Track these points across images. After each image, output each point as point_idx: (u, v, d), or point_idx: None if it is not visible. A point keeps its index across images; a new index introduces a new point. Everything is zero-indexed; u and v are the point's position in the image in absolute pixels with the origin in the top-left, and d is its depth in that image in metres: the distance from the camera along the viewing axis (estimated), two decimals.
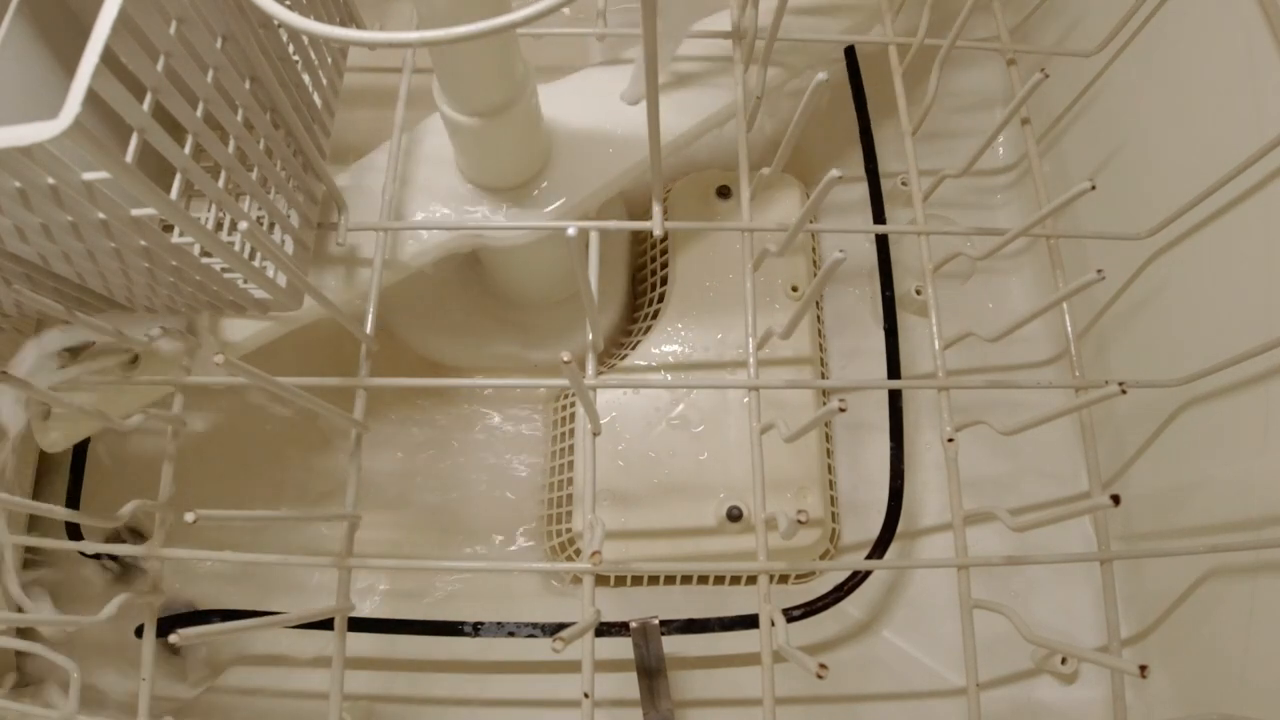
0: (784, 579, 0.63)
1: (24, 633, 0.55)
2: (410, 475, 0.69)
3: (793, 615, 0.58)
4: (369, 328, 0.49)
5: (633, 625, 0.54)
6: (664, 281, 0.68)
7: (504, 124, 0.47)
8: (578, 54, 0.74)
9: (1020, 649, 0.60)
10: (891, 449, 0.62)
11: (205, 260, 0.40)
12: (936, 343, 0.51)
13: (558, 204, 0.54)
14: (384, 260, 0.51)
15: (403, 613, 0.59)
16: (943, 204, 0.72)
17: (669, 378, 0.64)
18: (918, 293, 0.69)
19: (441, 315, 0.70)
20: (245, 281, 0.43)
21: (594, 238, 0.50)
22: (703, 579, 0.63)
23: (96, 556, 0.63)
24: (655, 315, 0.67)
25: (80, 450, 0.63)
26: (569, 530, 0.61)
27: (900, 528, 0.60)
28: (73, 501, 0.62)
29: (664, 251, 0.69)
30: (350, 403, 0.47)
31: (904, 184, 0.70)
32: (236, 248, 0.41)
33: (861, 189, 0.69)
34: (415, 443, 0.70)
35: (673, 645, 0.57)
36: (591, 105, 0.57)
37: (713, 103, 0.57)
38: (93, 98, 0.25)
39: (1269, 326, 0.46)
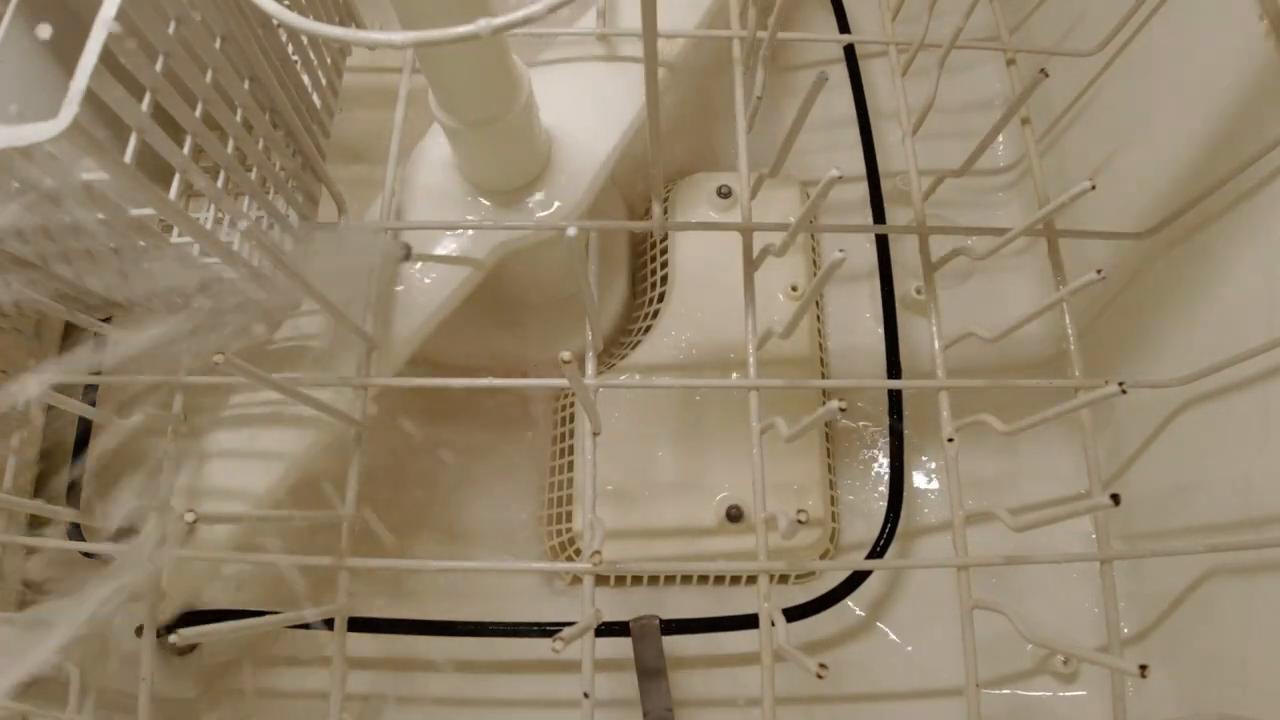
0: (784, 579, 0.63)
1: None
2: (410, 475, 0.69)
3: (793, 615, 0.58)
4: (369, 328, 0.49)
5: (633, 625, 0.54)
6: (664, 281, 0.68)
7: (499, 132, 0.47)
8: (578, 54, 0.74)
9: (1020, 649, 0.60)
10: (891, 449, 0.62)
11: (204, 260, 0.40)
12: (936, 343, 0.51)
13: (558, 205, 0.54)
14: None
15: (403, 613, 0.59)
16: (943, 204, 0.71)
17: (668, 378, 0.64)
18: (918, 293, 0.69)
19: None
20: (244, 281, 0.43)
21: (594, 238, 0.50)
22: (703, 579, 0.63)
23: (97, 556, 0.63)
24: (655, 315, 0.67)
25: (80, 450, 0.63)
26: (569, 530, 0.61)
27: (900, 528, 0.60)
28: (73, 501, 0.62)
29: (664, 251, 0.69)
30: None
31: (904, 185, 0.70)
32: (235, 248, 0.41)
33: (861, 189, 0.69)
34: (415, 442, 0.70)
35: (673, 645, 0.57)
36: (583, 93, 0.57)
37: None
38: (91, 98, 0.25)
39: (1269, 326, 0.46)
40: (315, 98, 0.48)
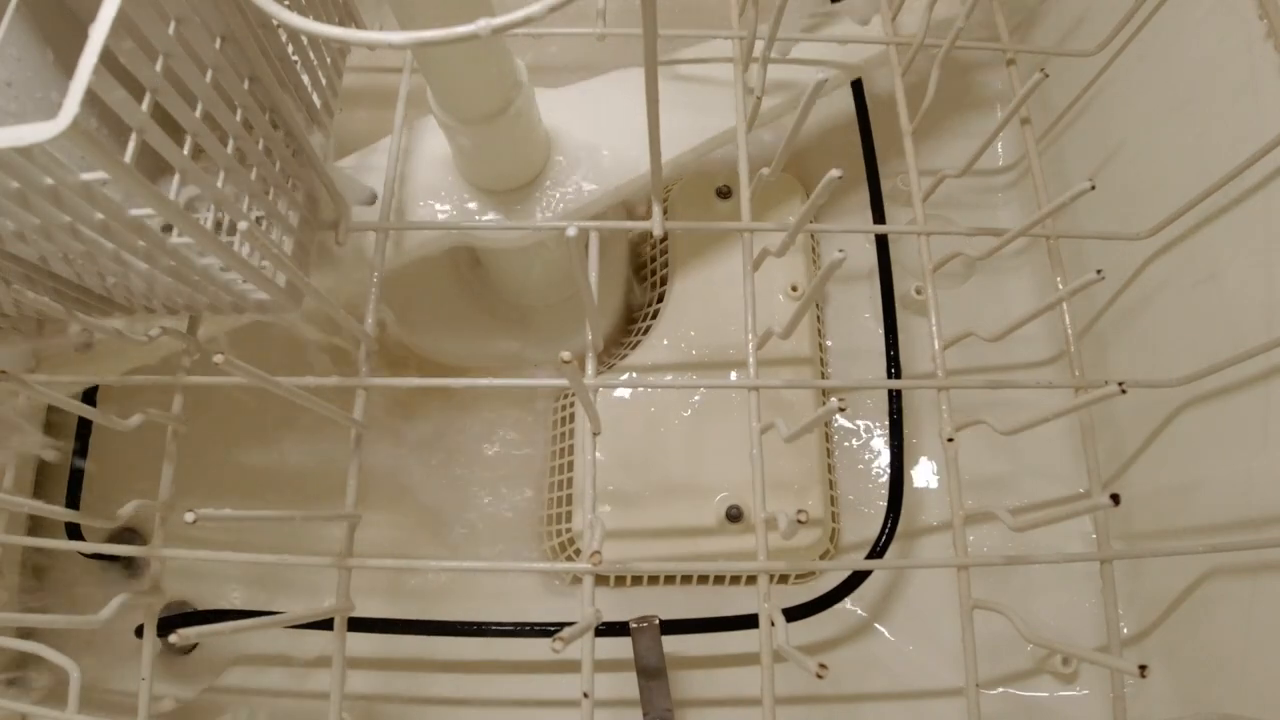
0: (784, 579, 0.63)
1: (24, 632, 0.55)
2: (410, 475, 0.69)
3: (793, 615, 0.58)
4: (369, 327, 0.49)
5: (633, 625, 0.54)
6: (664, 281, 0.68)
7: (496, 130, 0.47)
8: (579, 54, 0.74)
9: (1020, 649, 0.60)
10: (891, 449, 0.62)
11: (204, 261, 0.39)
12: (936, 343, 0.51)
13: (557, 206, 0.54)
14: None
15: (403, 613, 0.59)
16: (943, 204, 0.71)
17: (669, 378, 0.64)
18: (918, 293, 0.69)
19: (442, 315, 0.70)
20: (244, 282, 0.43)
21: (594, 238, 0.50)
22: (703, 579, 0.63)
23: (96, 556, 0.63)
24: (655, 315, 0.67)
25: (81, 450, 0.63)
26: (569, 530, 0.61)
27: (900, 528, 0.60)
28: (73, 501, 0.62)
29: (664, 251, 0.69)
30: (350, 402, 0.47)
31: (904, 185, 0.70)
32: (235, 248, 0.41)
33: (861, 189, 0.69)
34: (415, 442, 0.70)
35: (673, 645, 0.57)
36: (600, 116, 0.57)
37: (720, 121, 0.57)
38: (91, 98, 0.25)
39: (1269, 326, 0.46)
40: (315, 98, 0.48)
